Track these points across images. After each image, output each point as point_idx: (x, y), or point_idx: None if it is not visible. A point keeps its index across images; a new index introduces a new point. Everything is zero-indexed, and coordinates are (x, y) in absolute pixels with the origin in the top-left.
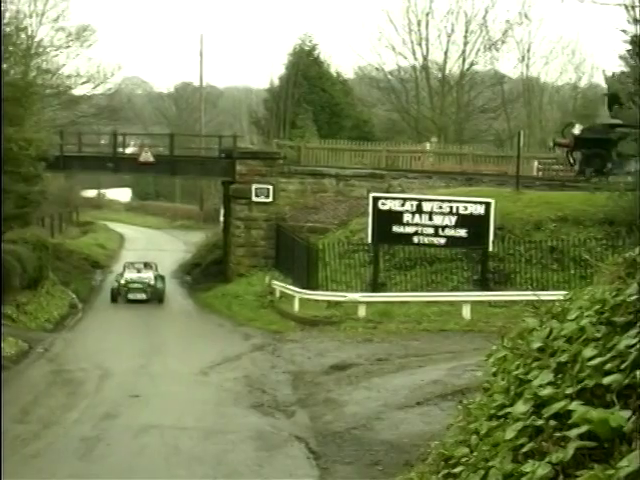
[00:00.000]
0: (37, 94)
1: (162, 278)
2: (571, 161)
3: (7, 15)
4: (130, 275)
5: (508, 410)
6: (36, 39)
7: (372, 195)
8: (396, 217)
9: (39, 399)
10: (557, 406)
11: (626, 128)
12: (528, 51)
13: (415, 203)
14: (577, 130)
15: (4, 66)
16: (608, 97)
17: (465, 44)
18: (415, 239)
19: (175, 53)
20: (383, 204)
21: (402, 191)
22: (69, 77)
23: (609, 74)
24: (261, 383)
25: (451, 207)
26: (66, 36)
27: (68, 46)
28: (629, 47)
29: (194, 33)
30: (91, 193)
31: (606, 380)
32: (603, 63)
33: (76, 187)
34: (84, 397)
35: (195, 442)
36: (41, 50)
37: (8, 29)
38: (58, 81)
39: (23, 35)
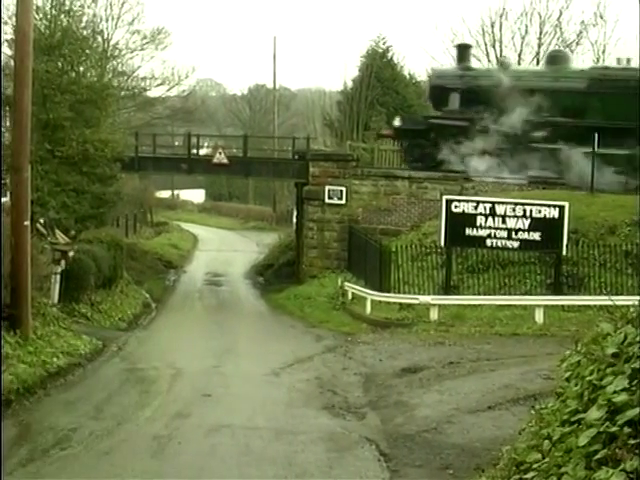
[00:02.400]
0: (113, 96)
1: None
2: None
3: (84, 19)
4: None
5: (581, 416)
6: (112, 42)
7: (445, 197)
8: (469, 220)
9: (112, 397)
10: (632, 413)
11: (442, 120)
12: (603, 52)
13: (488, 206)
14: (397, 122)
15: (81, 69)
16: (430, 90)
17: (539, 45)
18: (488, 242)
19: (249, 55)
20: (456, 207)
21: (475, 194)
22: (144, 79)
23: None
24: (332, 385)
25: (524, 210)
26: (141, 39)
27: (143, 49)
28: None
29: (267, 35)
30: (165, 194)
31: None
32: None
33: (150, 188)
34: (156, 395)
35: (266, 442)
36: (117, 53)
37: (85, 32)
38: (133, 83)
39: (99, 38)
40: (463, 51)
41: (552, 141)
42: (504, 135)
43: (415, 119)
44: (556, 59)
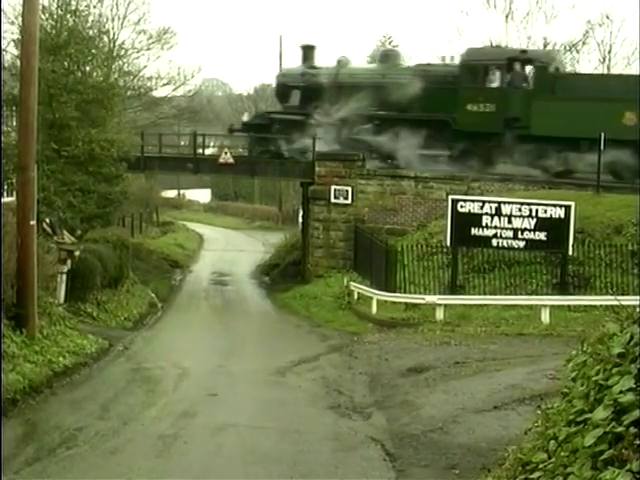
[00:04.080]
0: (119, 96)
1: None
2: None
3: (90, 19)
4: None
5: (587, 416)
6: (118, 42)
7: (451, 197)
8: (475, 220)
9: (118, 396)
10: (638, 413)
11: (282, 115)
12: (609, 52)
13: (494, 206)
14: (245, 117)
15: (87, 69)
16: (275, 88)
17: (545, 45)
18: (494, 242)
19: (255, 54)
20: (462, 206)
21: (481, 194)
22: (150, 79)
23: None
24: (338, 384)
25: (530, 210)
26: (147, 39)
27: (149, 48)
28: None
29: (273, 34)
30: (171, 193)
31: None
32: None
33: (156, 187)
34: (162, 395)
35: (272, 442)
36: (123, 53)
37: (91, 32)
38: (139, 83)
39: (105, 38)
40: (307, 51)
41: (379, 133)
42: (335, 128)
43: (260, 115)
44: (387, 57)
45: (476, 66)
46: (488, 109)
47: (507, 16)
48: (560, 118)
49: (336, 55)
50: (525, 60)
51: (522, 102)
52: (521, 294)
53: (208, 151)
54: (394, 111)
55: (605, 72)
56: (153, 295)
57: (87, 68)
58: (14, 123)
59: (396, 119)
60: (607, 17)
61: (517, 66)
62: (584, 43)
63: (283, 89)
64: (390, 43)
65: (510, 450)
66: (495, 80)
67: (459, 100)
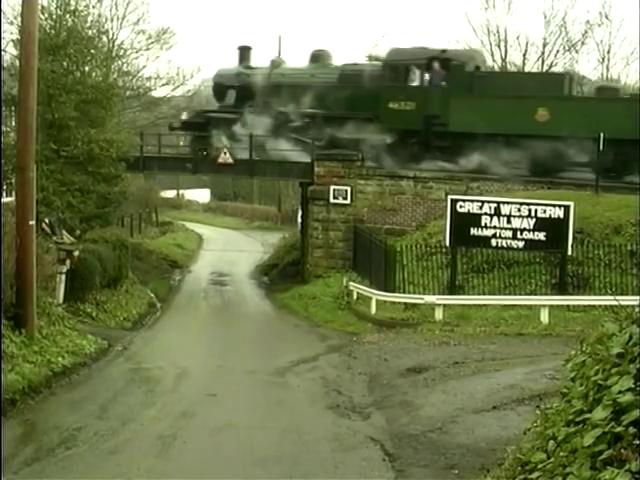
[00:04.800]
0: (118, 96)
1: None
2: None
3: (89, 19)
4: None
5: (586, 416)
6: (117, 42)
7: (450, 197)
8: (474, 220)
9: (117, 396)
10: (637, 413)
11: (217, 113)
12: (608, 52)
13: (493, 206)
14: (184, 116)
15: (86, 69)
16: (212, 87)
17: (544, 45)
18: (493, 242)
19: (253, 55)
20: (461, 206)
21: (480, 194)
22: (149, 79)
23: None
24: (337, 384)
25: (530, 210)
26: (146, 39)
27: (148, 49)
28: None
29: (272, 34)
30: (170, 194)
31: None
32: None
33: (155, 187)
34: (161, 395)
35: (271, 442)
36: (122, 53)
37: (90, 32)
38: (138, 83)
39: (105, 38)
40: (243, 52)
41: (308, 131)
42: (268, 126)
43: (198, 113)
44: (318, 57)
45: (397, 66)
46: (409, 107)
47: (506, 15)
48: (476, 115)
49: (341, 54)
50: (444, 60)
51: (441, 100)
52: (520, 294)
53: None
54: (322, 109)
55: (605, 72)
56: (152, 295)
57: (86, 68)
58: (13, 123)
59: (324, 117)
60: (606, 17)
61: (436, 65)
62: (583, 43)
63: (219, 88)
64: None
65: (509, 450)
66: (415, 79)
67: (382, 98)
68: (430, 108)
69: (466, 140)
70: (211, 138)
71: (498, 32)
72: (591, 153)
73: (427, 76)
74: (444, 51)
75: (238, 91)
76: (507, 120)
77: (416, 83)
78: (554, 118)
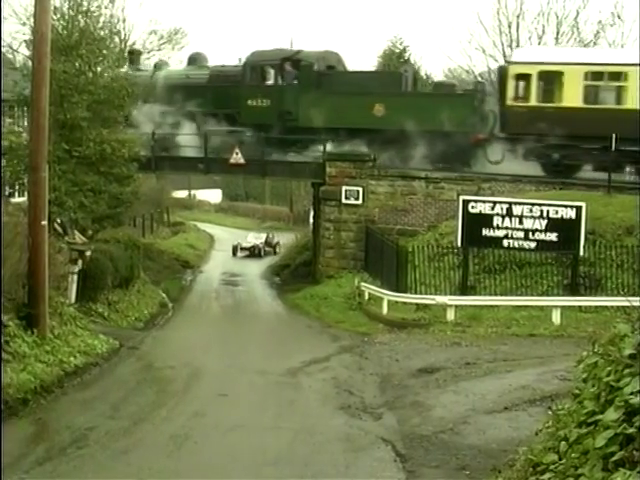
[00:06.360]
0: (130, 96)
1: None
2: None
3: (101, 20)
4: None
5: (598, 417)
6: (129, 42)
7: (462, 198)
8: (486, 220)
9: (129, 396)
10: None
11: None
12: None
13: (505, 206)
14: None
15: (98, 69)
16: None
17: (556, 46)
18: (505, 242)
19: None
20: (473, 207)
21: (492, 194)
22: None
23: None
24: (348, 385)
25: (541, 211)
26: (158, 39)
27: (160, 49)
28: None
29: (284, 36)
30: (182, 194)
31: None
32: None
33: (167, 188)
34: (173, 395)
35: (282, 442)
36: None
37: (102, 33)
38: None
39: (117, 39)
40: (133, 56)
41: (185, 127)
42: (150, 125)
43: None
44: (194, 60)
45: (255, 66)
46: (265, 104)
47: (518, 16)
48: (322, 111)
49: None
50: (295, 60)
51: (292, 97)
52: (532, 295)
53: None
54: (195, 107)
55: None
56: (164, 295)
57: (98, 69)
58: (26, 124)
59: (198, 114)
60: (618, 17)
61: (288, 66)
62: (595, 43)
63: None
64: (401, 44)
65: (521, 451)
66: (270, 78)
67: (242, 96)
68: (283, 105)
69: (314, 134)
70: None
71: (510, 33)
72: (425, 145)
73: (281, 76)
74: (298, 52)
75: None
76: (349, 115)
77: (271, 82)
78: (389, 112)
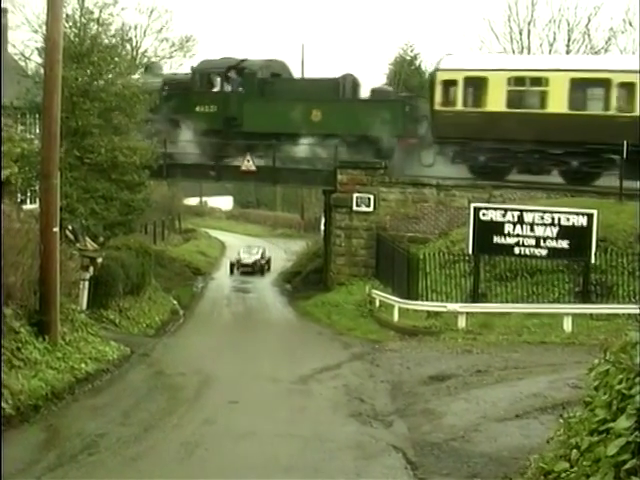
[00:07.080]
0: (141, 104)
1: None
2: None
3: (113, 27)
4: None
5: (610, 425)
6: (141, 50)
7: (473, 205)
8: (497, 228)
9: (140, 403)
10: None
11: None
12: None
13: (516, 214)
14: None
15: (110, 76)
16: None
17: (567, 53)
18: (516, 250)
19: None
20: (484, 214)
21: (503, 201)
22: None
23: None
24: (359, 392)
25: (553, 218)
26: (169, 46)
27: (171, 56)
28: None
29: (295, 42)
30: (193, 201)
31: None
32: None
33: (179, 195)
34: (184, 402)
35: (293, 450)
36: (145, 60)
37: (114, 40)
38: None
39: (128, 46)
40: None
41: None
42: None
43: None
44: (150, 69)
45: (202, 74)
46: (212, 110)
47: (529, 23)
48: (264, 116)
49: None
50: (240, 68)
51: (237, 104)
52: (543, 302)
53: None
54: (150, 113)
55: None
56: (175, 302)
57: (110, 76)
58: (38, 131)
59: (152, 120)
60: (630, 24)
61: (232, 74)
62: (606, 50)
63: None
64: (412, 51)
65: (532, 459)
66: (217, 86)
67: (190, 103)
68: (229, 111)
69: (257, 138)
70: None
71: (521, 39)
72: (355, 148)
73: (228, 83)
74: (243, 61)
75: None
76: (288, 120)
77: (217, 89)
78: (325, 118)
